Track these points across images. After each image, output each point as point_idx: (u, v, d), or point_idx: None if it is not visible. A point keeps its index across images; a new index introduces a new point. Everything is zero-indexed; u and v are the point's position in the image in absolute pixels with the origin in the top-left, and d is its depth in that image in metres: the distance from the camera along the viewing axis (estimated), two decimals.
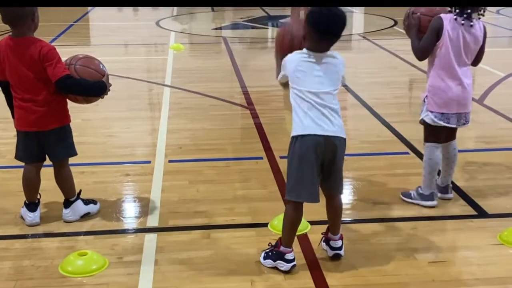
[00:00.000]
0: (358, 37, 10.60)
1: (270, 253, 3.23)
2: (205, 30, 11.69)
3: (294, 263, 3.18)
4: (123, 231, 3.69)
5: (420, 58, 3.81)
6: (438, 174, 4.02)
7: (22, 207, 3.76)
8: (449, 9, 3.70)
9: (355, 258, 3.32)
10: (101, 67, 3.67)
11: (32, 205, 3.72)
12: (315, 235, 3.48)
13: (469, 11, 3.62)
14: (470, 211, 3.92)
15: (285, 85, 3.18)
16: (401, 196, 4.04)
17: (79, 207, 3.79)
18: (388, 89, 7.04)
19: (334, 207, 3.25)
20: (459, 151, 4.04)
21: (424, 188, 3.92)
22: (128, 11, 14.04)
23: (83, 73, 3.56)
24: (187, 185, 4.34)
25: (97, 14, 13.74)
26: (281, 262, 3.17)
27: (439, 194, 4.00)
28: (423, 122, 3.86)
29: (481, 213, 3.89)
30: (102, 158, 4.86)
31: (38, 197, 3.77)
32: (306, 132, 2.99)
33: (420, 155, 4.61)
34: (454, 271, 3.25)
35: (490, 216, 3.85)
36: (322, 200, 3.17)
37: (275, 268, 3.19)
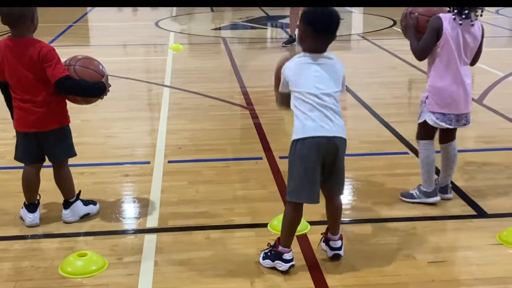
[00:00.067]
0: (357, 37, 10.59)
1: (268, 253, 3.23)
2: (204, 30, 11.69)
3: (293, 263, 3.18)
4: (123, 232, 3.69)
5: (420, 58, 3.80)
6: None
7: (22, 208, 3.76)
8: (448, 9, 3.70)
9: (354, 258, 3.33)
10: (101, 67, 3.67)
11: (31, 206, 3.72)
12: (315, 236, 3.48)
13: (466, 11, 3.62)
14: (470, 211, 3.92)
15: (284, 103, 3.19)
16: (401, 197, 4.04)
17: (79, 208, 3.79)
18: (387, 89, 7.04)
19: (334, 207, 3.25)
20: (459, 151, 4.04)
21: (426, 185, 3.93)
22: (127, 11, 14.04)
23: (83, 74, 3.56)
24: (187, 185, 4.34)
25: (96, 14, 13.74)
26: (279, 262, 3.18)
27: (438, 194, 4.01)
28: (423, 122, 3.85)
29: (481, 213, 3.89)
30: (102, 159, 4.86)
31: (38, 198, 3.77)
32: (307, 135, 2.99)
33: None
34: (454, 271, 3.26)
35: (490, 216, 3.85)
36: (322, 200, 3.17)
37: (274, 268, 3.20)
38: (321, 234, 3.39)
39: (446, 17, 3.66)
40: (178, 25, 12.45)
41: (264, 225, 3.70)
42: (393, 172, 4.57)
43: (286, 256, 3.17)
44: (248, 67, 8.23)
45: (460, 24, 3.63)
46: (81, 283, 3.14)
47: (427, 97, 3.79)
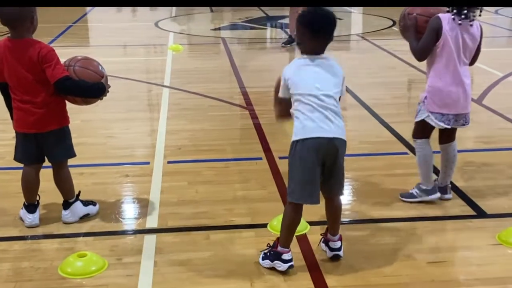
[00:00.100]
0: (357, 37, 10.58)
1: (268, 254, 3.23)
2: (204, 30, 11.69)
3: (292, 263, 3.18)
4: (123, 232, 3.69)
5: (420, 58, 3.80)
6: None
7: (21, 208, 3.76)
8: (447, 9, 3.70)
9: (354, 259, 3.33)
10: (100, 68, 3.68)
11: (31, 206, 3.72)
12: (315, 236, 3.49)
13: (465, 11, 3.62)
14: (469, 211, 3.92)
15: (283, 114, 3.20)
16: (401, 197, 4.04)
17: (78, 209, 3.79)
18: (387, 89, 7.04)
19: (333, 208, 3.26)
20: (458, 151, 4.04)
21: (425, 183, 3.93)
22: (127, 12, 14.04)
23: (82, 75, 3.56)
24: (186, 186, 4.34)
25: (95, 15, 13.74)
26: (278, 262, 3.18)
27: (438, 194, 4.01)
28: (420, 121, 3.85)
29: (480, 213, 3.89)
30: (101, 159, 4.86)
31: (37, 198, 3.77)
32: (307, 136, 3.00)
33: None
34: (454, 271, 3.26)
35: (489, 216, 3.85)
36: (322, 200, 3.17)
37: (273, 268, 3.20)
38: (321, 234, 3.40)
39: (446, 17, 3.66)
40: (177, 26, 12.45)
41: (264, 226, 3.70)
42: (393, 172, 4.57)
43: (285, 256, 3.17)
44: (247, 68, 8.23)
45: (460, 24, 3.64)
46: (81, 283, 3.14)
47: (425, 97, 3.80)
